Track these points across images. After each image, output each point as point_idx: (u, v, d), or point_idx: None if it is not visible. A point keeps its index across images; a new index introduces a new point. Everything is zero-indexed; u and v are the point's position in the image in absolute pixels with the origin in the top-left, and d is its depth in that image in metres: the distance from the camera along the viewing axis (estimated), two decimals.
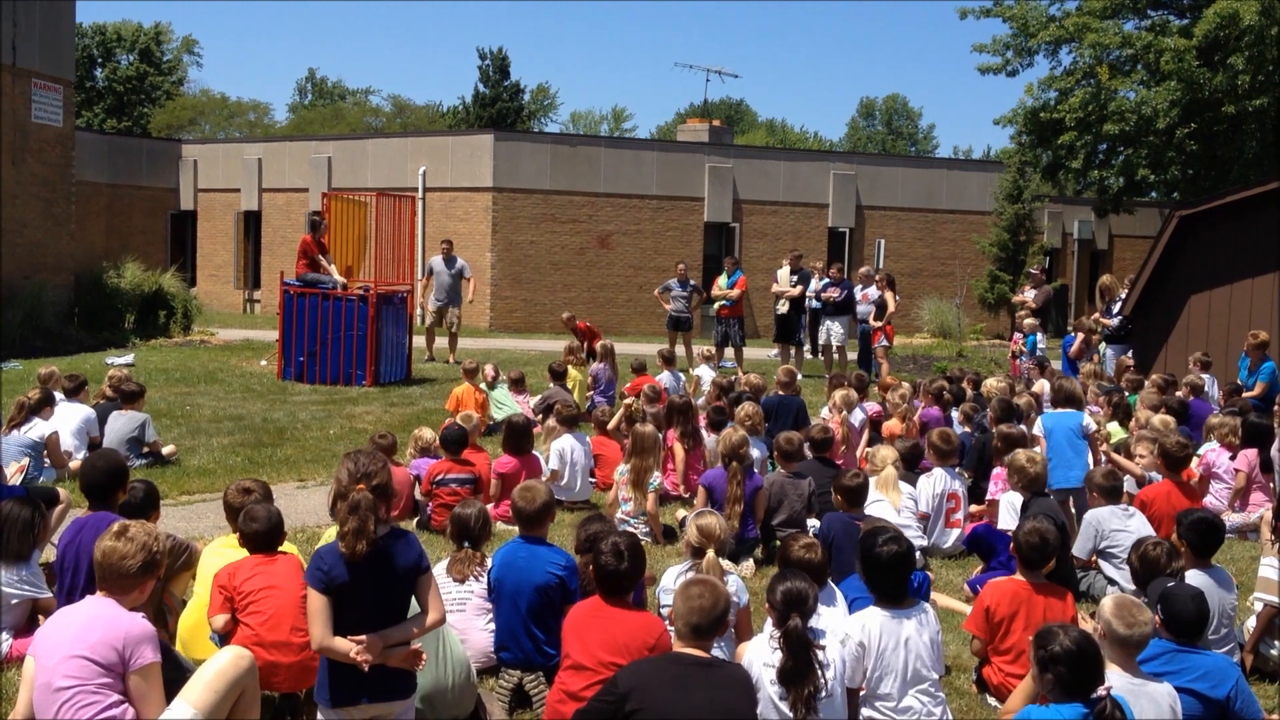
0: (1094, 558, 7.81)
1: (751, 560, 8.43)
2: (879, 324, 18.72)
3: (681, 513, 9.32)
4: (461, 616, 6.06)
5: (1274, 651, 6.56)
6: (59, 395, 10.66)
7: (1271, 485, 9.93)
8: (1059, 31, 31.53)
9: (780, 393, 12.46)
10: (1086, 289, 37.53)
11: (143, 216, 34.61)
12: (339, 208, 17.60)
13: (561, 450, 10.04)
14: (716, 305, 19.82)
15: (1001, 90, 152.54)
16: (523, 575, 5.89)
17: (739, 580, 6.17)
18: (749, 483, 8.46)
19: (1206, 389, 13.90)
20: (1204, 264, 16.75)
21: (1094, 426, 9.93)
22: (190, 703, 4.60)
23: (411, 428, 11.02)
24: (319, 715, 4.87)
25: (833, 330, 19.28)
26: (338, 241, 17.30)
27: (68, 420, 10.41)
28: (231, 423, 13.43)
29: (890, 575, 5.39)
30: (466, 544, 6.34)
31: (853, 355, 19.76)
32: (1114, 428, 11.56)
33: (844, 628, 5.36)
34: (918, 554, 8.33)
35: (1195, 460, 10.32)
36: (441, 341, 20.34)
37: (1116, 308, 17.11)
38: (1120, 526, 7.69)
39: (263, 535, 5.71)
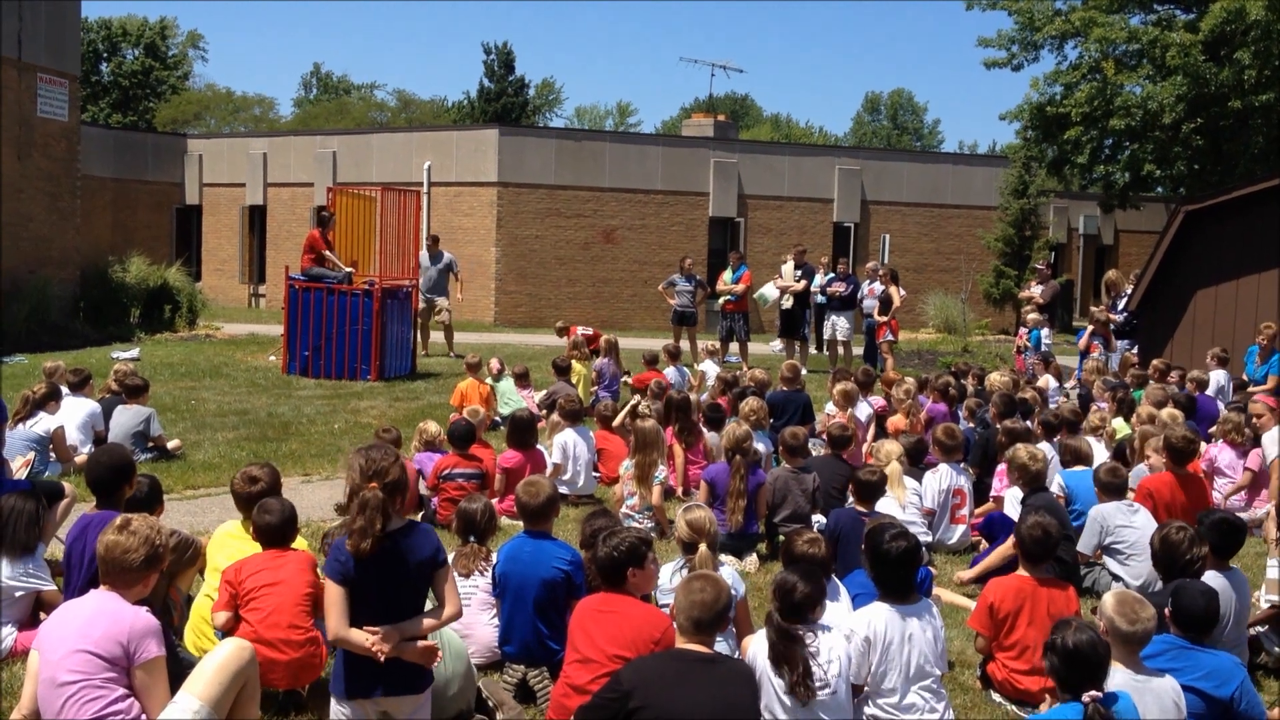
0: (1098, 553, 7.79)
1: (755, 555, 8.43)
2: (883, 319, 18.71)
3: (680, 509, 9.31)
4: (466, 611, 6.06)
5: (1276, 649, 6.56)
6: (64, 390, 10.67)
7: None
8: (1065, 26, 31.46)
9: (785, 388, 12.47)
10: (1092, 284, 37.49)
11: (148, 211, 34.65)
12: (345, 203, 17.61)
13: (564, 444, 10.05)
14: (721, 300, 19.82)
15: (1007, 85, 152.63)
16: (528, 570, 5.89)
17: (734, 572, 6.18)
18: (752, 478, 8.45)
19: (1222, 383, 13.88)
20: (1210, 259, 16.72)
21: None
22: (195, 695, 4.60)
23: (416, 422, 11.01)
24: (331, 708, 4.87)
25: (838, 325, 19.28)
26: (344, 236, 17.31)
27: (73, 415, 10.42)
28: (236, 417, 13.44)
29: (897, 571, 5.39)
30: (472, 539, 6.34)
31: (859, 350, 19.75)
32: (1119, 423, 11.54)
33: (849, 623, 5.35)
34: (923, 550, 8.35)
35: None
36: (437, 336, 20.34)
37: (1122, 303, 17.09)
38: (1125, 522, 7.67)
39: (275, 528, 5.71)
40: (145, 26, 63.23)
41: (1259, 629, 6.58)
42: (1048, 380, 14.50)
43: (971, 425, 11.13)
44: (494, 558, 6.19)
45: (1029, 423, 10.79)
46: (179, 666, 4.90)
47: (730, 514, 8.21)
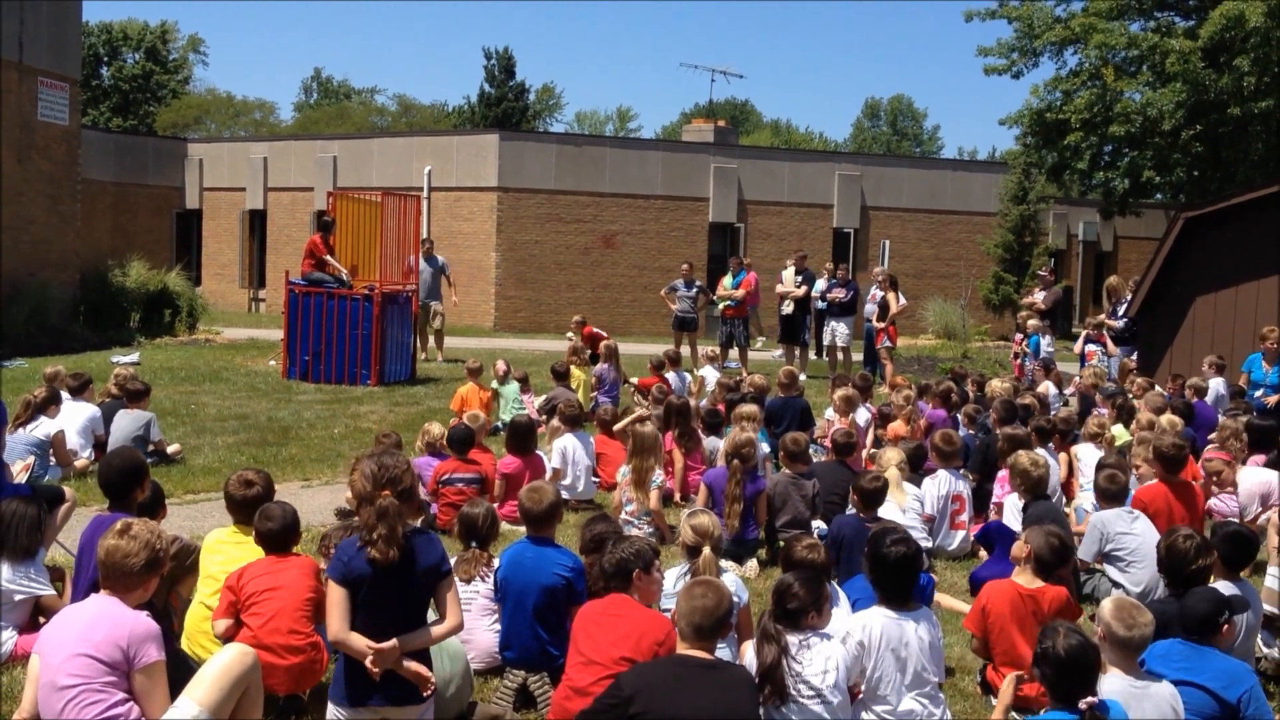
0: (1099, 560, 7.80)
1: (755, 561, 8.43)
2: (881, 325, 18.72)
3: (684, 514, 9.31)
4: (466, 617, 6.05)
5: (1275, 653, 6.56)
6: (64, 394, 10.67)
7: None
8: (1064, 32, 31.50)
9: (782, 394, 12.47)
10: (1091, 291, 37.50)
11: (148, 215, 34.66)
12: (346, 207, 17.62)
13: (564, 449, 10.05)
14: (721, 306, 19.83)
15: (1007, 91, 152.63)
16: (530, 576, 5.89)
17: (737, 579, 6.18)
18: (752, 485, 8.45)
19: (1221, 391, 13.89)
20: (1209, 266, 16.73)
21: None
22: (195, 700, 4.60)
23: (416, 427, 11.03)
24: (329, 712, 4.87)
25: (838, 331, 19.29)
26: (344, 241, 17.32)
27: (73, 419, 10.41)
28: (236, 422, 13.44)
29: (897, 576, 5.39)
30: (474, 544, 6.34)
31: (858, 356, 19.76)
32: (1119, 430, 11.55)
33: (844, 626, 5.36)
34: (923, 556, 8.35)
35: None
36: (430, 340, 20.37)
37: (1122, 309, 17.11)
38: (1125, 529, 7.68)
39: (276, 534, 5.70)
40: (146, 30, 63.31)
41: (1267, 640, 6.58)
42: (1048, 387, 14.51)
43: (971, 431, 11.13)
44: (495, 563, 6.20)
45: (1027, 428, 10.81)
46: (181, 671, 4.90)
47: (727, 519, 8.20)
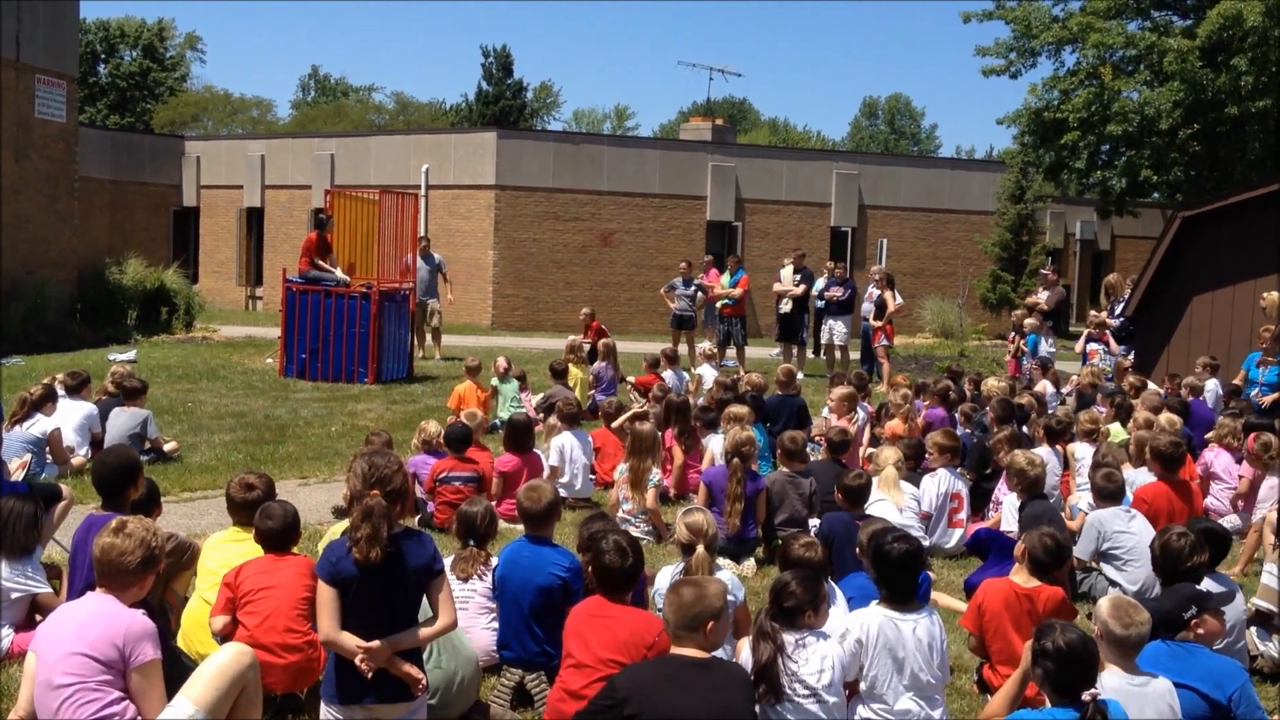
0: (1095, 559, 7.80)
1: (752, 560, 8.43)
2: (878, 323, 18.72)
3: (679, 512, 9.31)
4: (464, 615, 6.05)
5: (1272, 651, 6.57)
6: (61, 392, 10.66)
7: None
8: (1062, 32, 31.54)
9: (780, 392, 12.47)
10: (1089, 290, 37.54)
11: (145, 213, 34.63)
12: (343, 205, 17.60)
13: (561, 447, 10.05)
14: (718, 304, 19.83)
15: (1004, 90, 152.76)
16: (526, 575, 5.89)
17: (733, 577, 6.17)
18: (752, 484, 8.45)
19: (1216, 391, 13.90)
20: (1206, 265, 16.73)
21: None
22: (191, 699, 4.59)
23: (413, 425, 11.02)
24: (321, 711, 4.87)
25: (835, 329, 19.29)
26: (342, 239, 17.31)
27: (69, 417, 10.39)
28: (233, 420, 13.43)
29: (900, 574, 5.37)
30: (471, 542, 6.33)
31: (855, 355, 19.76)
32: (1115, 428, 11.57)
33: (842, 624, 5.35)
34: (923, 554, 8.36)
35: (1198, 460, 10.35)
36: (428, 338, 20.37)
37: (1119, 308, 17.11)
38: (1122, 528, 7.68)
39: (276, 533, 5.70)
40: (143, 28, 63.23)
41: (1250, 628, 6.59)
42: (1045, 386, 14.51)
43: (968, 430, 11.14)
44: (493, 561, 6.19)
45: (1025, 428, 10.82)
46: (177, 670, 4.89)
47: (728, 517, 8.20)
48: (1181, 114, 29.30)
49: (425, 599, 4.88)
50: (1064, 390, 15.03)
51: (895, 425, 11.35)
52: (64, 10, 22.09)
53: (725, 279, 19.91)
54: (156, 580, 5.97)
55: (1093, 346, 16.91)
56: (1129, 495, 8.40)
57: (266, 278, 33.42)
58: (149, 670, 4.57)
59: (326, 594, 4.69)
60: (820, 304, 19.68)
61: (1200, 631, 5.45)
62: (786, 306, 19.72)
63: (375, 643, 4.65)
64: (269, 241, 33.74)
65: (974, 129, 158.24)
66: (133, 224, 33.83)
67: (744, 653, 5.08)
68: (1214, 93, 28.94)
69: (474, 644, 5.98)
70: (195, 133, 55.32)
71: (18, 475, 8.83)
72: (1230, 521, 9.79)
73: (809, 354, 20.77)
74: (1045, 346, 17.42)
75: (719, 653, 4.78)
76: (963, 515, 9.04)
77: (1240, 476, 9.97)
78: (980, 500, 9.53)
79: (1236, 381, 14.33)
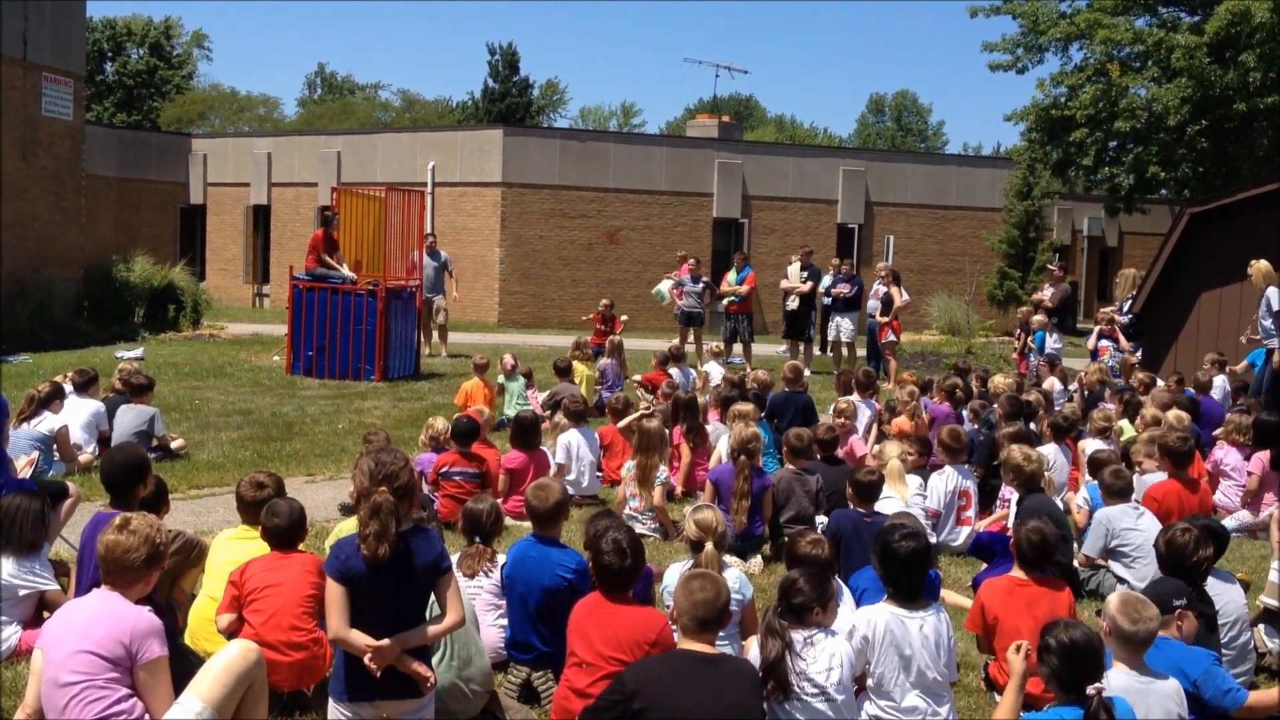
0: (1104, 556, 7.78)
1: (759, 557, 8.42)
2: (885, 320, 18.69)
3: (687, 509, 9.31)
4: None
5: (1276, 647, 6.55)
6: (68, 389, 10.68)
7: None
8: (1070, 28, 31.46)
9: (787, 389, 12.46)
10: (1096, 287, 37.46)
11: (152, 210, 34.67)
12: (350, 202, 17.61)
13: (568, 444, 10.04)
14: (725, 301, 19.81)
15: (1012, 86, 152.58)
16: (533, 576, 5.88)
17: (741, 575, 6.16)
18: (757, 480, 8.44)
19: (1224, 387, 13.86)
20: (1214, 261, 16.69)
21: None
22: (199, 696, 4.58)
23: (420, 423, 11.03)
24: (330, 709, 4.86)
25: (842, 326, 19.28)
26: (348, 236, 17.32)
27: (77, 414, 10.41)
28: (240, 417, 13.44)
29: (906, 572, 5.35)
30: (477, 539, 6.32)
31: (862, 352, 19.74)
32: (1124, 425, 11.54)
33: (849, 620, 5.34)
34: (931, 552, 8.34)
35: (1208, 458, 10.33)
36: (434, 335, 20.38)
37: (1128, 305, 17.09)
38: (1131, 525, 7.66)
39: (284, 530, 5.69)
40: (150, 26, 63.27)
41: (1258, 625, 6.58)
42: (1053, 383, 14.49)
43: (976, 426, 11.12)
44: (500, 559, 6.18)
45: (1032, 425, 10.79)
46: (185, 666, 4.89)
47: (734, 514, 8.19)
48: (1189, 110, 29.22)
49: (433, 596, 4.87)
50: (1071, 387, 15.00)
51: (902, 422, 11.33)
52: (71, 9, 22.12)
53: (732, 276, 19.88)
54: (164, 577, 5.98)
55: (1104, 343, 16.88)
56: (1139, 493, 8.39)
57: (273, 275, 33.44)
58: (156, 667, 4.57)
59: (335, 592, 4.69)
60: (827, 301, 19.67)
61: (1180, 625, 5.48)
62: (793, 304, 19.69)
63: (384, 641, 4.65)
64: (276, 239, 33.77)
65: (981, 126, 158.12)
66: (139, 222, 33.88)
67: (752, 650, 5.07)
68: (1222, 89, 28.85)
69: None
70: (202, 130, 55.41)
71: (25, 472, 8.84)
72: (1239, 518, 9.79)
73: (815, 351, 20.74)
74: (1051, 343, 17.40)
75: (726, 650, 4.78)
76: (971, 513, 9.02)
77: (1249, 473, 9.95)
78: (988, 497, 9.52)
79: (1236, 368, 14.30)
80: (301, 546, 5.86)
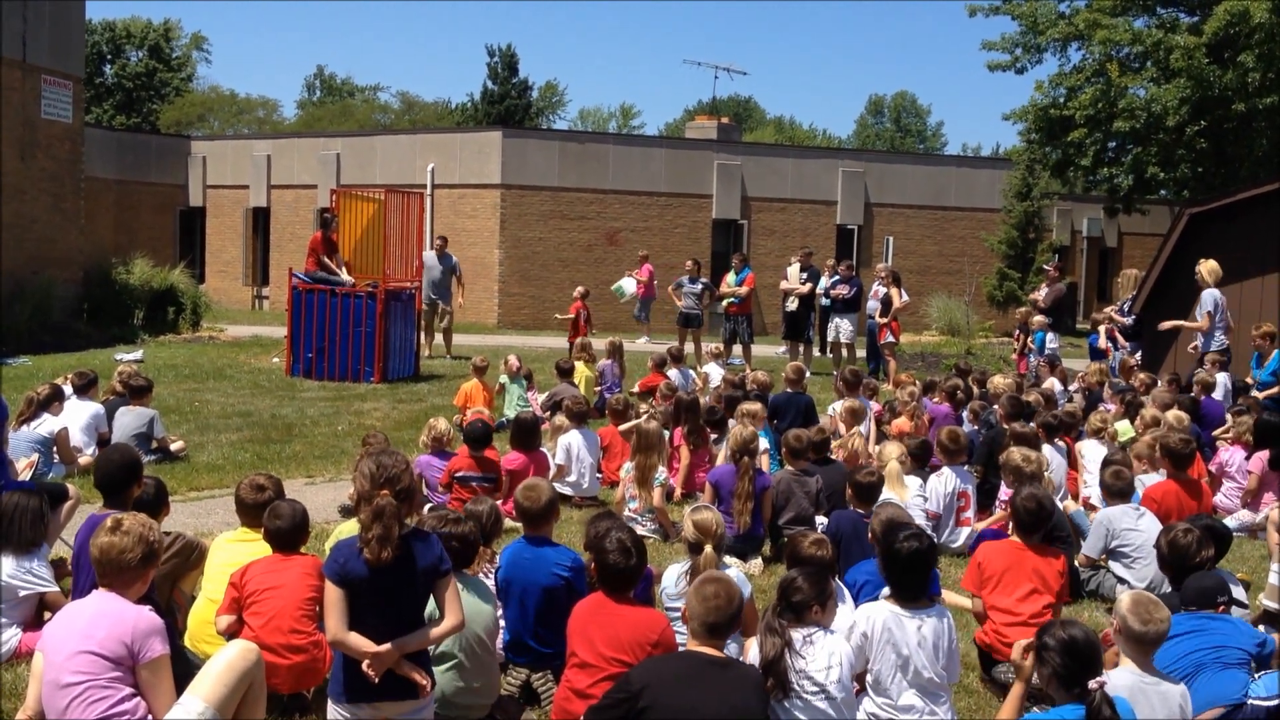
0: (1104, 557, 7.78)
1: (759, 558, 8.41)
2: (884, 320, 18.69)
3: (687, 510, 9.29)
4: None
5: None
6: (68, 391, 10.67)
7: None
8: (1068, 28, 31.48)
9: (788, 390, 12.46)
10: (1095, 287, 37.47)
11: (151, 213, 34.68)
12: (349, 204, 17.61)
13: (568, 446, 10.04)
14: (724, 303, 19.82)
15: (1011, 87, 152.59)
16: (529, 576, 5.87)
17: (740, 574, 6.15)
18: (759, 480, 8.43)
19: (1226, 386, 13.86)
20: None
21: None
22: (200, 697, 4.58)
23: (419, 424, 11.03)
24: (328, 711, 4.86)
25: (841, 327, 19.28)
26: (348, 239, 17.31)
27: (76, 417, 10.40)
28: (240, 419, 13.43)
29: (908, 572, 5.34)
30: None
31: (861, 353, 19.73)
32: (1123, 425, 11.54)
33: (850, 618, 5.33)
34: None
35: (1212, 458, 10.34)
36: (437, 337, 20.37)
37: (1128, 305, 17.08)
38: (1131, 526, 7.66)
39: (285, 533, 5.68)
40: (149, 28, 63.31)
41: (1259, 627, 6.58)
42: (1053, 383, 14.48)
43: (976, 427, 11.12)
44: (499, 560, 6.18)
45: (1032, 425, 10.78)
46: (185, 667, 4.89)
47: (738, 515, 8.17)
48: (1188, 111, 29.23)
49: (432, 598, 4.87)
50: (1072, 387, 15.00)
51: (901, 423, 11.34)
52: (70, 11, 22.12)
53: (731, 277, 19.89)
54: (164, 580, 5.98)
55: (1109, 343, 16.87)
56: (1138, 494, 8.38)
57: (273, 277, 33.44)
58: (158, 666, 4.57)
59: (334, 595, 4.68)
60: (825, 302, 19.66)
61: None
62: (793, 305, 19.69)
63: (384, 646, 4.64)
64: (275, 241, 33.78)
65: (980, 126, 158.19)
66: (139, 224, 33.89)
67: (752, 651, 5.07)
68: (1221, 89, 28.87)
69: None
70: (201, 133, 55.39)
71: (25, 475, 8.84)
72: (1239, 518, 9.78)
73: (815, 352, 20.74)
74: (1049, 342, 17.40)
75: (729, 649, 4.78)
76: (970, 514, 9.02)
77: (1249, 472, 9.95)
78: (987, 497, 9.52)
79: (1249, 379, 14.31)
80: (302, 549, 5.86)
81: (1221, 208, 16.89)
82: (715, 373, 15.12)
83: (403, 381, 16.72)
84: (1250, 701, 5.17)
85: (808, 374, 14.06)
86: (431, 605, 4.91)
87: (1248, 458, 10.11)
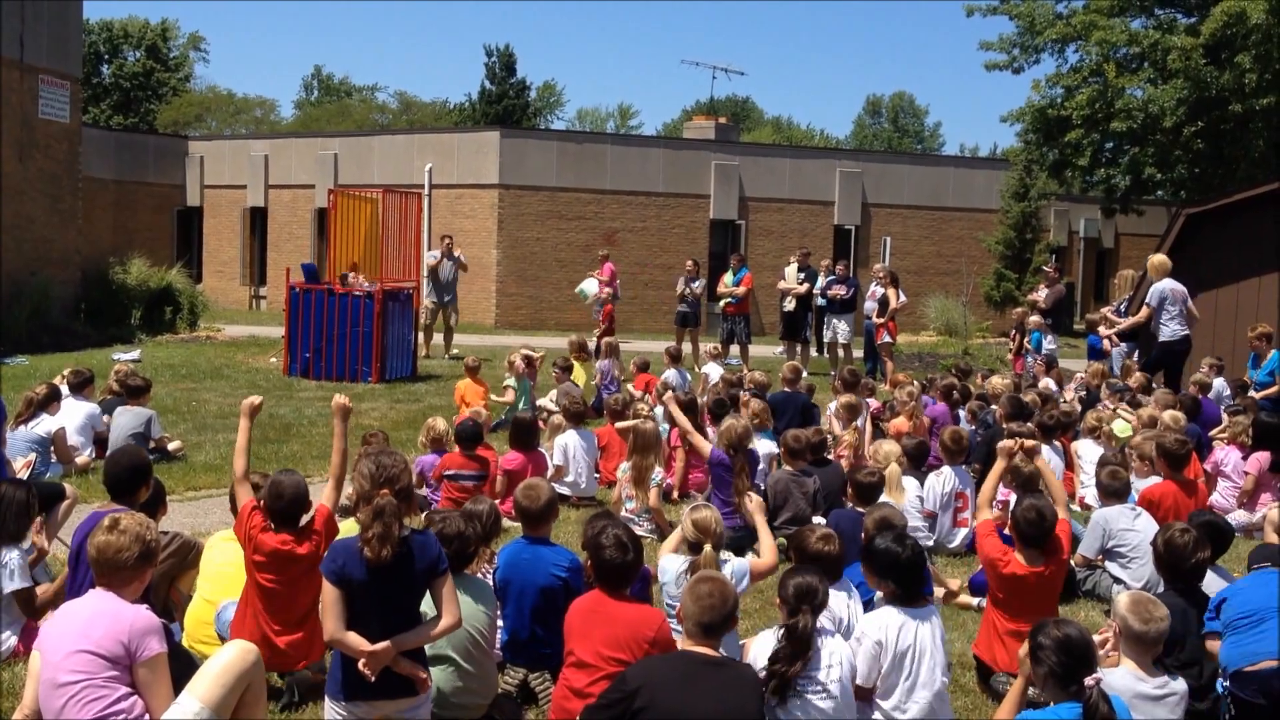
0: (1100, 557, 7.79)
1: (752, 554, 8.38)
2: (880, 320, 18.70)
3: (685, 508, 9.28)
4: None
5: None
6: (64, 389, 10.66)
7: (1278, 485, 9.91)
8: (1066, 29, 31.52)
9: (786, 389, 12.47)
10: (1093, 288, 37.50)
11: (149, 213, 34.68)
12: (347, 204, 17.61)
13: (565, 446, 10.05)
14: (722, 303, 19.83)
15: (1008, 88, 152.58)
16: (527, 577, 5.87)
17: (742, 562, 6.13)
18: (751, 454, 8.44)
19: (1222, 389, 13.89)
20: (1211, 263, 16.72)
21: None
22: (198, 697, 4.57)
23: (417, 424, 11.03)
24: (326, 709, 4.86)
25: (838, 328, 19.29)
26: (345, 239, 17.31)
27: (72, 416, 10.39)
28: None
29: (910, 572, 5.33)
30: None
31: (858, 353, 19.74)
32: (1119, 425, 11.54)
33: (860, 626, 5.31)
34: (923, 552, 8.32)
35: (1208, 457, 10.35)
36: (438, 337, 20.38)
37: (1124, 305, 17.07)
38: (1128, 526, 7.67)
39: (284, 510, 5.67)
40: (146, 28, 63.23)
41: None
42: (1048, 384, 14.49)
43: (974, 427, 11.13)
44: (497, 560, 6.19)
45: (1030, 425, 10.79)
46: (183, 667, 4.88)
47: (740, 505, 8.08)
48: (1185, 111, 29.27)
49: (429, 597, 4.87)
50: (1068, 387, 15.01)
51: (899, 423, 11.34)
52: (67, 11, 22.12)
53: (729, 277, 19.91)
54: (161, 579, 5.98)
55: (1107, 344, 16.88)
56: (1134, 494, 8.39)
57: (270, 277, 33.44)
58: (155, 664, 4.56)
59: (331, 594, 4.69)
60: (822, 302, 19.67)
61: None
62: (790, 305, 19.71)
63: (381, 645, 4.65)
64: (273, 241, 33.78)
65: (978, 127, 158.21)
66: (136, 224, 33.87)
67: (751, 652, 5.06)
68: (1218, 90, 28.91)
69: None
70: (199, 133, 55.34)
71: (22, 474, 8.82)
72: (1236, 518, 9.79)
73: (813, 352, 20.76)
74: (1047, 343, 17.39)
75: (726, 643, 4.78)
76: (967, 514, 9.01)
77: (1245, 473, 9.96)
78: None
79: (1246, 378, 14.33)
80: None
81: (1218, 208, 16.92)
82: (714, 372, 15.11)
83: (400, 381, 16.72)
84: None
85: (804, 374, 14.06)
86: (427, 603, 4.92)
87: (1244, 458, 10.11)
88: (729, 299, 19.58)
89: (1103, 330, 16.32)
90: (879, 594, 5.54)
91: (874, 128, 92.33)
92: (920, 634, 5.20)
